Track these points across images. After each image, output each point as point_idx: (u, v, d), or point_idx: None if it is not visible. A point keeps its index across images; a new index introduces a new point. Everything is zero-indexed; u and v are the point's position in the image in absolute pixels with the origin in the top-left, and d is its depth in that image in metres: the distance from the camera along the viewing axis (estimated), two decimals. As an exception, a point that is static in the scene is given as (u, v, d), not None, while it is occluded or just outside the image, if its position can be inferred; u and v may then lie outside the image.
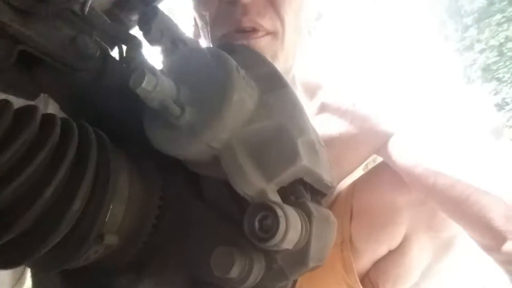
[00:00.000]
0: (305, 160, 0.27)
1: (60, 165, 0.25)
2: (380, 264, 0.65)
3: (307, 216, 0.28)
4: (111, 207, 0.28)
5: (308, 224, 0.27)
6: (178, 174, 0.35)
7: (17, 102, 0.28)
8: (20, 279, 0.56)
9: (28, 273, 0.52)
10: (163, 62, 0.28)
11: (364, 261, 0.66)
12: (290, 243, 0.25)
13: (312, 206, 0.29)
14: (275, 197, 0.27)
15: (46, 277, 0.33)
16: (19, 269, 0.54)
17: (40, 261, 0.27)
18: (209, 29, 0.53)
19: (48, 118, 0.27)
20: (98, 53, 0.34)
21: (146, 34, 0.26)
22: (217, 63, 0.27)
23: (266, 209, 0.24)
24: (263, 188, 0.26)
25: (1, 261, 0.25)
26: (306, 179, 0.29)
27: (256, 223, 0.24)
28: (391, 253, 0.64)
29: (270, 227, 0.24)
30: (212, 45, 0.52)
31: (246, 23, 0.49)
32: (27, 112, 0.25)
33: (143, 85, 0.23)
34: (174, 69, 0.27)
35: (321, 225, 0.29)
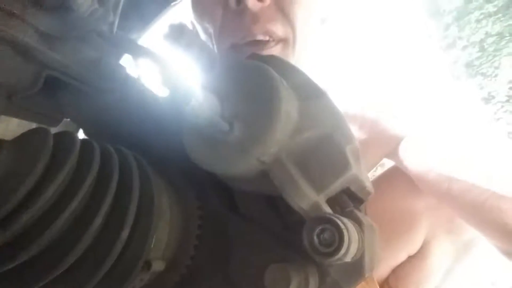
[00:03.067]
0: (354, 168, 0.27)
1: (106, 194, 0.24)
2: (400, 270, 0.65)
3: (358, 225, 0.27)
4: (156, 231, 0.26)
5: (361, 233, 0.27)
6: (211, 191, 0.34)
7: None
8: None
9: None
10: (202, 79, 0.28)
11: (383, 268, 0.66)
12: (352, 255, 0.24)
13: (360, 215, 0.28)
14: (329, 210, 0.26)
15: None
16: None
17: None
18: (214, 42, 0.52)
19: (86, 145, 0.26)
20: (123, 73, 0.33)
21: (185, 50, 0.25)
22: (259, 75, 0.26)
23: (326, 222, 0.23)
24: (316, 200, 0.25)
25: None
26: (352, 187, 0.29)
27: (315, 238, 0.24)
28: (410, 258, 0.64)
29: (329, 241, 0.23)
30: (220, 57, 0.50)
31: (257, 31, 0.48)
32: (66, 142, 0.24)
33: (191, 103, 0.22)
34: (215, 85, 0.26)
35: (370, 233, 0.29)
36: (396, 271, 0.65)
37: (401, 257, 0.64)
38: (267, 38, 0.48)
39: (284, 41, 0.50)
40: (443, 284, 0.65)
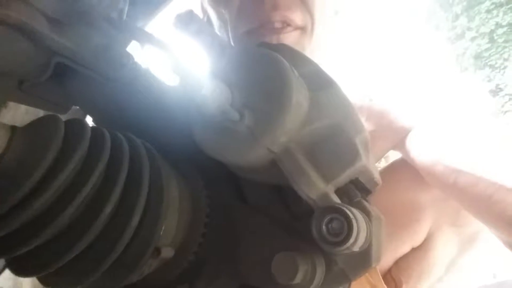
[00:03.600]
0: (364, 159, 0.26)
1: (116, 181, 0.24)
2: (403, 261, 0.65)
3: (366, 215, 0.27)
4: (165, 219, 0.27)
5: (369, 223, 0.27)
6: (220, 180, 0.34)
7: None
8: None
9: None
10: (212, 67, 0.28)
11: (387, 259, 0.66)
12: (360, 245, 0.24)
13: (368, 205, 0.28)
14: (337, 199, 0.26)
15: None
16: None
17: (97, 280, 0.26)
18: (229, 27, 0.51)
19: (97, 132, 0.26)
20: (130, 61, 0.33)
21: (195, 37, 0.25)
22: (270, 64, 0.26)
23: (335, 211, 0.24)
24: (325, 190, 0.25)
25: (65, 281, 0.24)
26: (361, 178, 0.29)
27: (324, 227, 0.24)
28: (414, 250, 0.64)
29: (337, 230, 0.24)
30: (233, 44, 0.50)
31: (276, 17, 0.47)
32: (76, 129, 0.24)
33: (202, 92, 0.22)
34: (226, 74, 0.26)
35: (377, 223, 0.29)
36: (399, 263, 0.65)
37: (405, 248, 0.64)
38: (285, 25, 0.48)
39: (302, 29, 0.50)
40: (446, 276, 0.65)
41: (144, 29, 0.31)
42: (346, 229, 0.23)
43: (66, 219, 0.22)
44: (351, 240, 0.23)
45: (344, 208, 0.23)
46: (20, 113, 0.50)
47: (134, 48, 0.41)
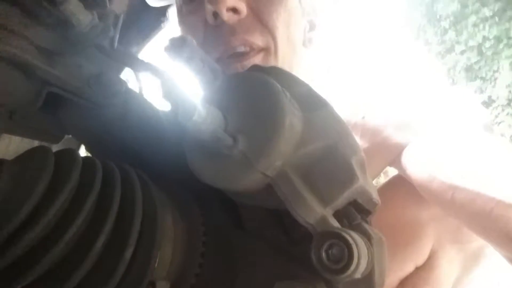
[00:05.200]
0: (361, 179, 0.26)
1: (108, 214, 0.23)
2: (408, 281, 0.63)
3: (367, 239, 0.26)
4: (160, 250, 0.26)
5: (370, 247, 0.26)
6: (216, 206, 0.33)
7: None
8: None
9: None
10: (203, 92, 0.27)
11: (391, 280, 0.64)
12: (361, 271, 0.23)
13: (368, 228, 0.28)
14: (336, 223, 0.25)
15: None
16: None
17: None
18: None
19: (88, 162, 0.25)
20: (123, 88, 0.33)
21: (187, 64, 0.25)
22: (261, 87, 0.26)
23: (334, 237, 0.23)
24: (323, 214, 0.25)
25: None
26: (359, 199, 0.28)
27: (324, 254, 0.23)
28: (418, 269, 0.62)
29: (338, 257, 0.23)
30: None
31: (236, 42, 0.48)
32: (67, 160, 0.24)
33: (194, 117, 0.22)
34: (217, 98, 0.26)
35: (379, 246, 0.28)
36: (404, 283, 0.63)
37: (409, 268, 0.62)
38: (247, 49, 0.49)
39: (265, 50, 0.50)
40: (452, 295, 0.64)
41: (136, 56, 0.31)
42: (346, 256, 0.22)
43: (56, 256, 0.21)
44: (352, 267, 0.22)
45: (344, 233, 0.22)
46: (15, 141, 0.50)
47: (127, 75, 0.41)
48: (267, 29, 0.50)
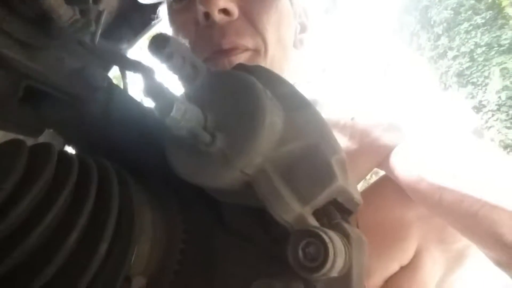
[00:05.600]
0: (340, 179, 0.26)
1: (82, 208, 0.23)
2: (392, 280, 0.64)
3: (345, 238, 0.27)
4: (136, 247, 0.25)
5: (348, 246, 0.26)
6: (197, 203, 0.33)
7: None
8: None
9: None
10: (184, 89, 0.27)
11: (376, 279, 0.64)
12: (338, 270, 0.23)
13: (348, 227, 0.28)
14: (314, 222, 0.25)
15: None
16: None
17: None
18: None
19: (64, 157, 0.25)
20: (106, 83, 0.32)
21: (167, 61, 0.25)
22: (243, 86, 0.26)
23: (310, 235, 0.23)
24: (301, 213, 0.25)
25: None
26: (339, 199, 0.28)
27: (300, 252, 0.23)
28: (402, 269, 0.63)
29: (314, 255, 0.23)
30: None
31: (226, 45, 0.49)
32: (42, 153, 0.23)
33: (172, 114, 0.22)
34: (198, 95, 0.26)
35: (358, 246, 0.28)
36: (389, 282, 0.64)
37: (393, 267, 0.63)
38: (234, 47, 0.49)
39: (254, 50, 0.51)
40: (435, 294, 0.64)
41: (117, 51, 0.30)
42: (322, 254, 0.22)
43: (27, 249, 0.21)
44: (328, 266, 0.22)
45: (320, 232, 0.22)
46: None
47: (112, 70, 0.41)
48: (257, 31, 0.50)
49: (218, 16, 0.46)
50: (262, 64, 0.51)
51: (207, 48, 0.50)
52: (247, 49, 0.50)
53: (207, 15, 0.47)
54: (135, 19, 0.72)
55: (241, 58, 0.49)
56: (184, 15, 0.52)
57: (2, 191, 0.20)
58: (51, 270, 0.22)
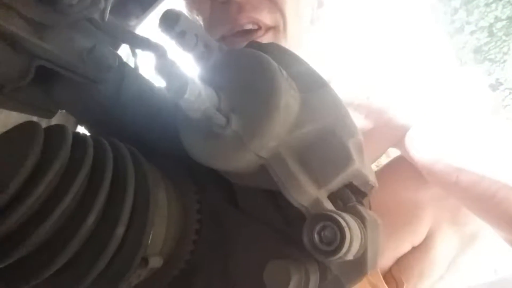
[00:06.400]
0: (357, 162, 0.25)
1: (99, 190, 0.23)
2: (404, 260, 0.64)
3: (361, 221, 0.26)
4: (153, 227, 0.26)
5: (364, 230, 0.26)
6: (211, 183, 0.33)
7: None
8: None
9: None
10: (198, 69, 0.26)
11: (387, 259, 0.65)
12: (354, 253, 0.23)
13: (363, 210, 0.27)
14: (330, 205, 0.25)
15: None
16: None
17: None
18: None
19: (79, 139, 0.25)
20: (117, 62, 0.32)
21: (179, 40, 0.24)
22: (257, 65, 0.25)
23: (326, 219, 0.23)
24: (317, 196, 0.24)
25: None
26: (355, 182, 0.28)
27: (316, 236, 0.23)
28: (414, 249, 0.63)
29: (330, 239, 0.23)
30: None
31: (243, 20, 0.47)
32: (57, 136, 0.23)
33: (186, 95, 0.21)
34: (212, 76, 0.25)
35: (373, 229, 0.28)
36: (400, 262, 0.64)
37: (405, 247, 0.63)
38: (255, 27, 0.47)
39: (274, 28, 0.49)
40: (447, 274, 0.65)
41: (128, 29, 0.30)
42: (339, 238, 0.22)
43: (46, 231, 0.21)
44: (344, 250, 0.22)
45: (337, 216, 0.22)
46: (14, 115, 0.49)
47: (123, 49, 0.40)
48: (276, 6, 0.48)
49: None
50: (282, 41, 0.50)
51: (223, 25, 0.49)
52: (267, 30, 0.48)
53: None
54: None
55: (263, 39, 0.48)
56: None
57: (19, 175, 0.20)
58: (69, 252, 0.22)
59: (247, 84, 0.24)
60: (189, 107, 0.22)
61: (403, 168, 0.62)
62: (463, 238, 0.61)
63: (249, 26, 0.47)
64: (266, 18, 0.48)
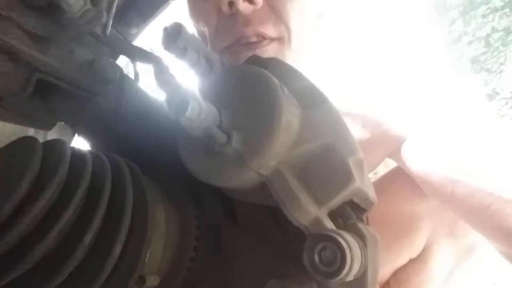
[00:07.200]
0: (358, 180, 0.25)
1: (97, 208, 0.22)
2: (401, 272, 0.64)
3: (361, 239, 0.26)
4: (150, 245, 0.25)
5: (364, 249, 0.26)
6: (210, 198, 0.33)
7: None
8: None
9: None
10: (199, 85, 0.26)
11: (385, 271, 0.65)
12: (354, 273, 0.23)
13: (363, 227, 0.27)
14: (330, 224, 0.25)
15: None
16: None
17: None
18: (209, 44, 0.52)
19: (77, 154, 0.24)
20: (118, 75, 0.32)
21: (182, 57, 0.24)
22: (259, 84, 0.25)
23: (327, 239, 0.22)
24: (317, 215, 0.24)
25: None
26: (355, 199, 0.28)
27: (316, 256, 0.23)
28: (411, 261, 0.63)
29: (331, 260, 0.22)
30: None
31: (250, 33, 0.48)
32: (55, 151, 0.23)
33: (186, 114, 0.21)
34: (213, 92, 0.25)
35: (373, 247, 0.27)
36: (397, 274, 0.64)
37: (402, 260, 0.63)
38: (260, 39, 0.48)
39: (278, 39, 0.49)
40: (445, 286, 0.64)
41: (130, 42, 0.30)
42: (339, 259, 0.22)
43: (42, 251, 0.21)
44: (345, 271, 0.21)
45: (337, 236, 0.22)
46: (9, 127, 0.49)
47: (123, 62, 0.40)
48: (281, 19, 0.49)
49: (242, 5, 0.45)
50: (287, 52, 0.50)
51: (229, 36, 0.49)
52: (272, 40, 0.48)
53: (231, 4, 0.46)
54: (144, 2, 0.70)
55: (268, 50, 0.48)
56: (206, 2, 0.51)
57: (16, 193, 0.19)
58: (67, 270, 0.22)
59: (248, 102, 0.24)
60: (190, 124, 0.22)
61: (401, 179, 0.62)
62: (460, 250, 0.61)
63: (254, 39, 0.48)
64: (271, 31, 0.48)
